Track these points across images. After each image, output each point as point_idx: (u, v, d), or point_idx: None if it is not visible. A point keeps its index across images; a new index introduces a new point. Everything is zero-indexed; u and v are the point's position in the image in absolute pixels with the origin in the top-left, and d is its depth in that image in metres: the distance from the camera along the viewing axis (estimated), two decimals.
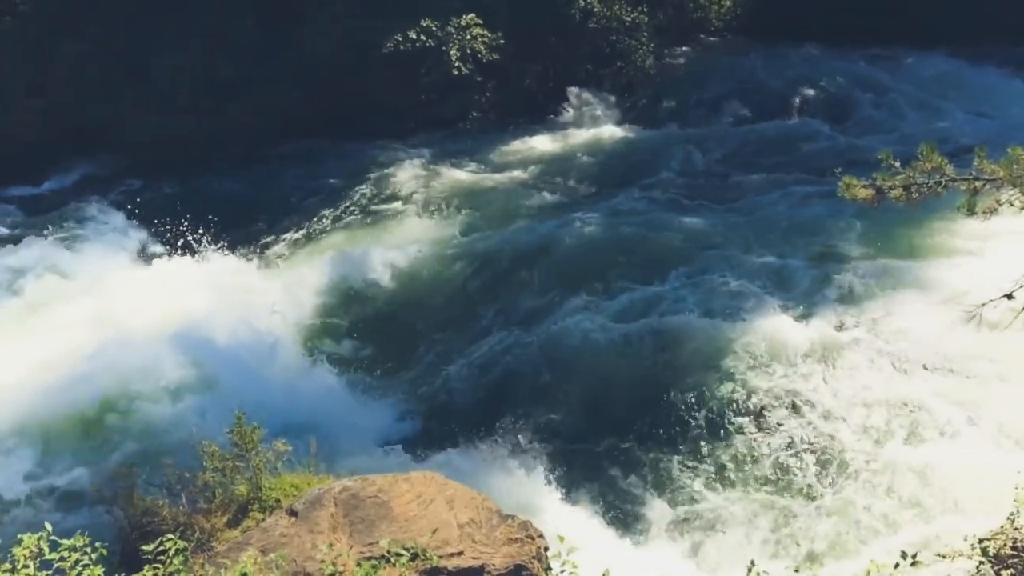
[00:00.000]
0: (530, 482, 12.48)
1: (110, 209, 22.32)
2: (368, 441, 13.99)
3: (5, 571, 5.51)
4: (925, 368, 14.71)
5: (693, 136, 25.70)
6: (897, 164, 7.68)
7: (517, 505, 10.65)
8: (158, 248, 20.13)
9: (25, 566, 5.60)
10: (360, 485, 9.70)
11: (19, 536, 5.76)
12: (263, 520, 9.51)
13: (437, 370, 16.10)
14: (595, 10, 28.40)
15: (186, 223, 20.22)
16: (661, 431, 13.93)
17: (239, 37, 25.85)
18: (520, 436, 13.93)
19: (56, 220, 21.62)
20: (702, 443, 13.66)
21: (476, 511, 9.44)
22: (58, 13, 25.61)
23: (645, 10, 29.25)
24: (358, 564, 7.90)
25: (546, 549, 9.28)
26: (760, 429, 13.80)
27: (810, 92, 27.58)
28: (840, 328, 15.75)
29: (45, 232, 20.94)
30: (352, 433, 13.85)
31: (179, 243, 19.87)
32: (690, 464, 13.30)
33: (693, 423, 14.02)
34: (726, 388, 14.52)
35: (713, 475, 13.18)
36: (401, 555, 7.60)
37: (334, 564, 7.18)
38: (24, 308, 17.20)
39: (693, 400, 14.38)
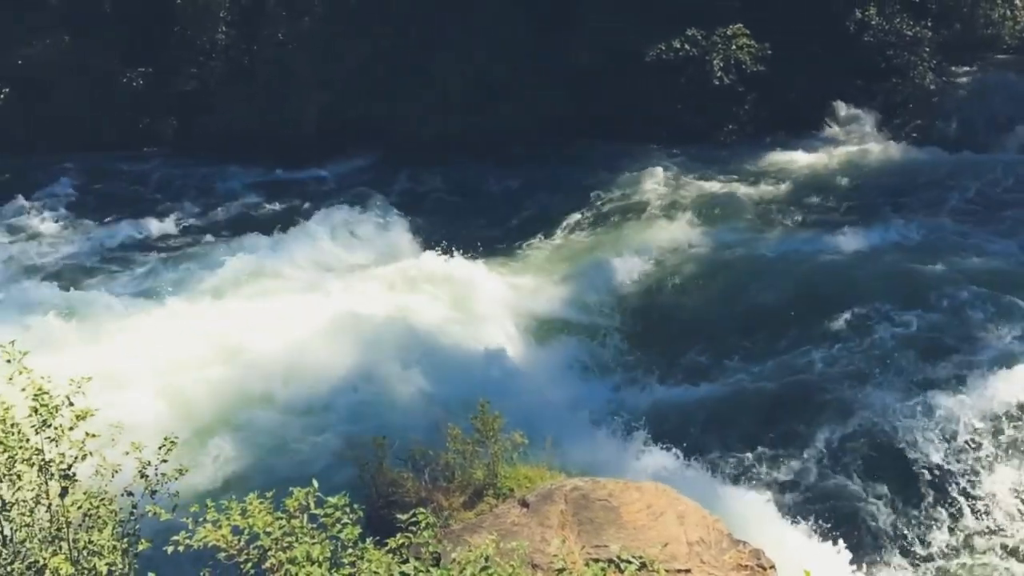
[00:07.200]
0: (763, 512, 11.96)
1: (380, 199, 23.80)
2: (598, 444, 14.02)
3: (279, 518, 6.05)
4: None
5: (974, 162, 23.64)
6: None
7: (746, 534, 10.24)
8: (419, 240, 21.34)
9: (295, 516, 6.12)
10: (591, 486, 9.75)
11: (290, 489, 6.31)
12: (496, 506, 9.82)
13: (674, 383, 15.88)
14: (873, 23, 26.85)
15: (445, 218, 21.20)
16: (914, 476, 12.93)
17: (513, 41, 26.84)
18: (755, 462, 13.41)
19: (331, 205, 23.34)
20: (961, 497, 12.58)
21: (707, 531, 9.21)
22: (350, 15, 27.85)
23: (929, 24, 27.27)
24: (587, 564, 7.98)
25: None
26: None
27: None
28: None
29: (320, 215, 22.55)
30: (581, 434, 13.93)
31: (436, 237, 21.00)
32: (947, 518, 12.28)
33: (957, 474, 12.91)
34: (992, 444, 13.24)
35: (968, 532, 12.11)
36: (630, 563, 7.61)
37: (564, 560, 7.29)
38: (306, 280, 18.88)
39: (955, 449, 13.23)
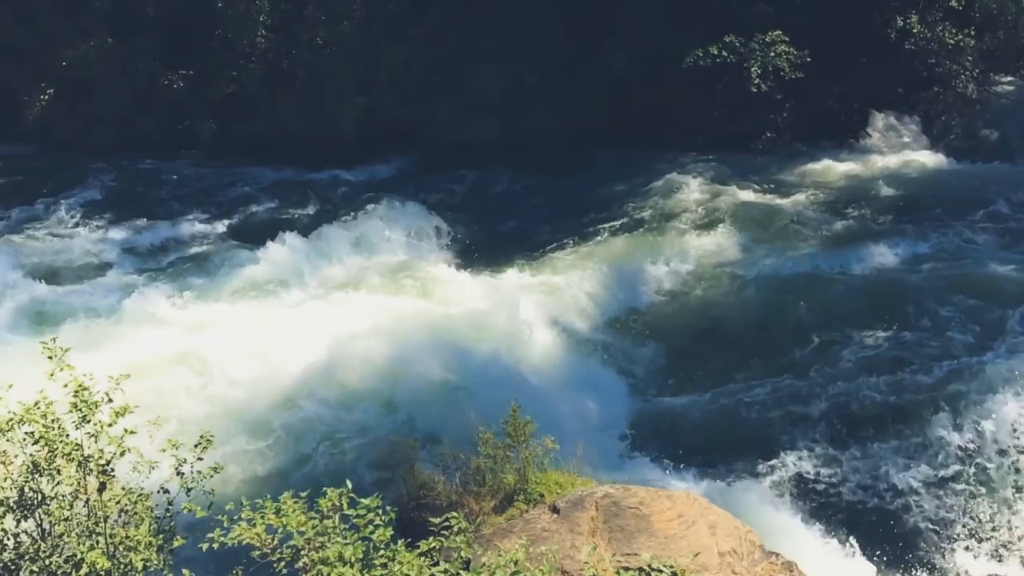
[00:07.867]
0: (794, 525, 11.84)
1: (412, 204, 23.66)
2: (623, 452, 13.97)
3: (312, 518, 6.10)
4: None
5: (1010, 173, 23.19)
6: None
7: (779, 547, 10.12)
8: (448, 245, 21.38)
9: (328, 516, 6.17)
10: (622, 494, 9.72)
11: (324, 489, 6.36)
12: (527, 512, 9.81)
13: (701, 393, 15.73)
14: (915, 31, 26.45)
15: (475, 223, 21.16)
16: (953, 496, 12.74)
17: (547, 48, 26.82)
18: (785, 476, 13.24)
19: (363, 207, 23.38)
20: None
21: (738, 541, 9.14)
22: (387, 20, 28.03)
23: (972, 32, 26.82)
24: (617, 572, 7.93)
25: None
26: None
27: None
28: None
29: (352, 216, 22.59)
30: (606, 441, 13.86)
31: (466, 242, 21.01)
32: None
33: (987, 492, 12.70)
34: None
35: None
36: (661, 572, 7.53)
37: (595, 567, 7.25)
38: (334, 282, 18.99)
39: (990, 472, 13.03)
